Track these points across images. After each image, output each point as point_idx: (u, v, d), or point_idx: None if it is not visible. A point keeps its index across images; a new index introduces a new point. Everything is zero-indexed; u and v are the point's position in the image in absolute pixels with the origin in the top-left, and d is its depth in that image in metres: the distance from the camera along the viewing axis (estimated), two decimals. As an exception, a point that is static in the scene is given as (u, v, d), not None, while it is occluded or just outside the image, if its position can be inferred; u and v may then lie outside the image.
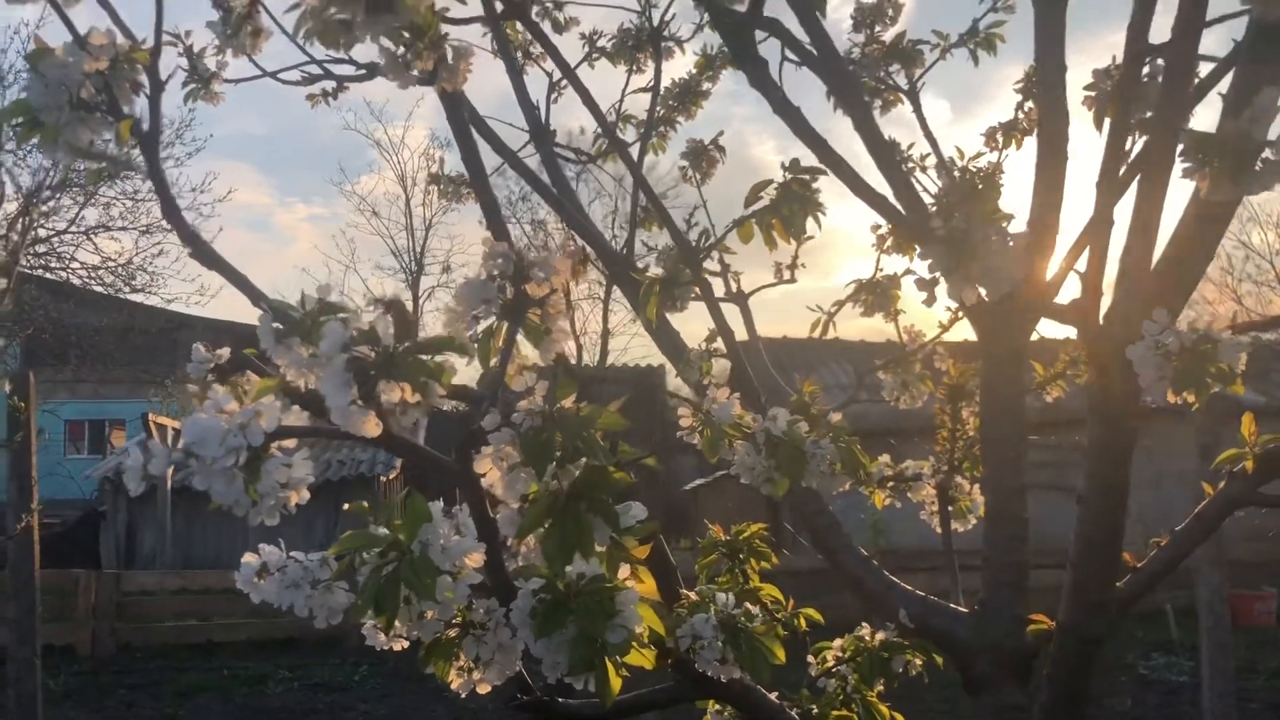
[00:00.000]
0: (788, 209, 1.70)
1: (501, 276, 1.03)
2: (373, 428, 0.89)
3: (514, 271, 1.02)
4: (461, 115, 1.86)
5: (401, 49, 1.24)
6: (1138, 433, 1.33)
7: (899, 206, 1.85)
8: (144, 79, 1.18)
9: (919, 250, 1.05)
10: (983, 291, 1.04)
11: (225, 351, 1.48)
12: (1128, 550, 1.48)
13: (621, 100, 2.96)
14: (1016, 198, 2.47)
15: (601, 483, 0.95)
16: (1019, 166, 2.46)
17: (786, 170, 1.74)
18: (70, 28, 1.13)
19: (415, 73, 1.24)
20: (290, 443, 0.93)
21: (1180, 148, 1.06)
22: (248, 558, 1.09)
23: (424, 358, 0.90)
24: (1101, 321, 1.28)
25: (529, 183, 2.46)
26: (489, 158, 2.57)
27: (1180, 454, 5.57)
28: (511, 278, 1.02)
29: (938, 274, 1.04)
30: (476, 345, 1.06)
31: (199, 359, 1.43)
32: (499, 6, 1.73)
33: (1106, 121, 1.44)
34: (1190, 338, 1.12)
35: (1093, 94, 1.61)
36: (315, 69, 2.39)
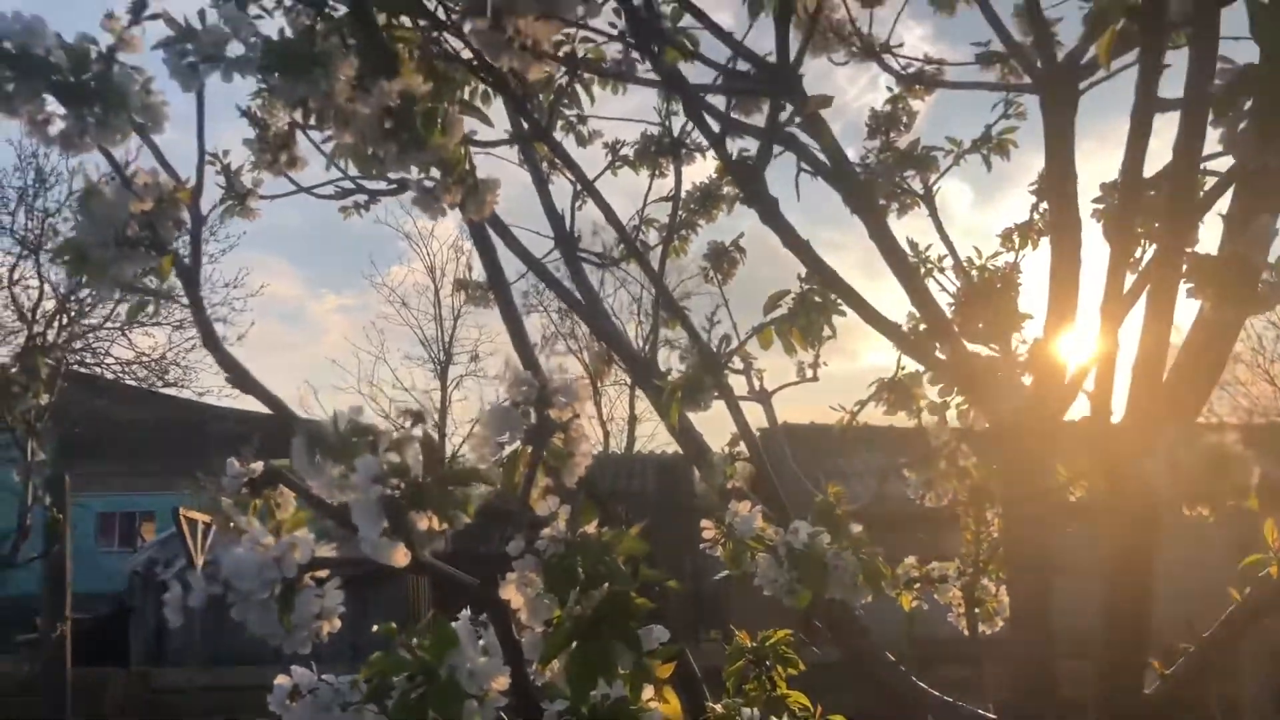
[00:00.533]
0: (805, 319, 1.75)
1: (525, 403, 1.06)
2: (401, 558, 0.92)
3: (538, 397, 1.06)
4: (484, 232, 1.92)
5: (431, 183, 1.29)
6: (1158, 543, 1.34)
7: (915, 311, 1.89)
8: (186, 216, 1.24)
9: (928, 376, 1.08)
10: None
11: (259, 465, 1.53)
12: (1169, 633, 1.47)
13: (644, 206, 3.03)
14: (1035, 297, 2.51)
15: (624, 608, 0.97)
16: (1036, 266, 2.49)
17: (803, 281, 1.78)
18: (118, 170, 1.19)
19: (444, 204, 1.30)
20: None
21: (1184, 269, 1.09)
22: (280, 680, 1.11)
23: (453, 489, 0.93)
24: (1115, 430, 1.30)
25: (553, 289, 2.52)
26: (513, 263, 2.65)
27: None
28: (535, 403, 1.06)
29: (947, 399, 1.07)
30: (502, 469, 1.10)
31: (233, 474, 1.47)
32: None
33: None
34: (1203, 452, 1.14)
35: (1101, 206, 1.65)
36: (348, 183, 2.47)
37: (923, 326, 2.46)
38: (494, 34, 1.04)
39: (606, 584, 0.98)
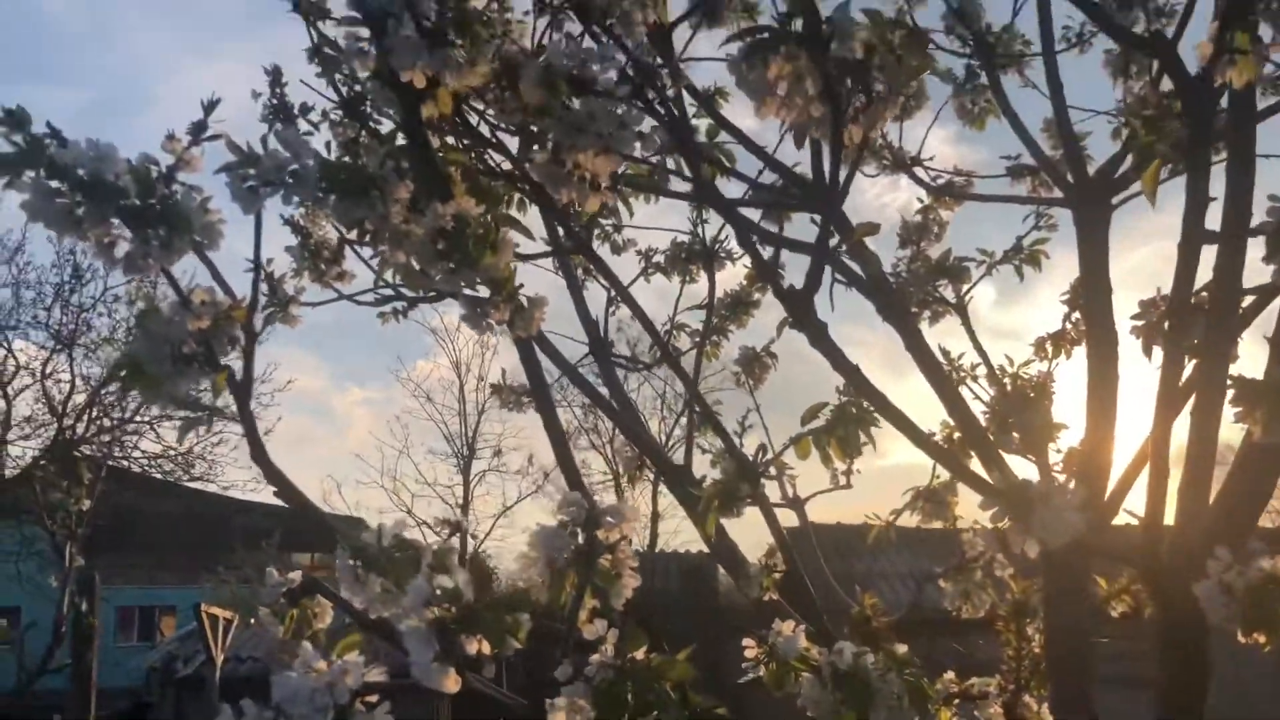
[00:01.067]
0: (843, 431, 1.74)
1: (574, 524, 1.07)
2: (452, 684, 0.92)
3: (586, 519, 1.07)
4: (530, 347, 1.94)
5: (479, 300, 1.32)
6: (1213, 666, 1.32)
7: (951, 420, 1.88)
8: (240, 333, 1.27)
9: (979, 500, 1.08)
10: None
11: (297, 575, 1.54)
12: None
13: (675, 312, 3.06)
14: (1069, 406, 2.50)
15: (674, 737, 0.96)
16: (1070, 375, 2.49)
17: (841, 392, 1.79)
18: (177, 290, 1.22)
19: (493, 322, 1.32)
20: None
21: (1230, 394, 1.09)
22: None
23: (504, 615, 0.93)
24: (1165, 552, 1.29)
25: (586, 395, 2.53)
26: (545, 363, 2.67)
27: None
28: (584, 525, 1.07)
29: (999, 524, 1.06)
30: (549, 587, 1.10)
31: (273, 584, 1.48)
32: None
33: (1158, 358, 1.48)
34: (1256, 576, 1.12)
35: (1140, 324, 1.66)
36: (388, 289, 2.51)
37: (957, 435, 2.47)
38: (554, 167, 1.07)
39: (656, 712, 0.97)
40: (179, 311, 1.22)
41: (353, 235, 1.46)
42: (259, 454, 1.29)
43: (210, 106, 1.41)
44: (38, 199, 1.08)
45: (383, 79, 1.20)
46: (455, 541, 1.16)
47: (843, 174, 1.65)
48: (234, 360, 1.32)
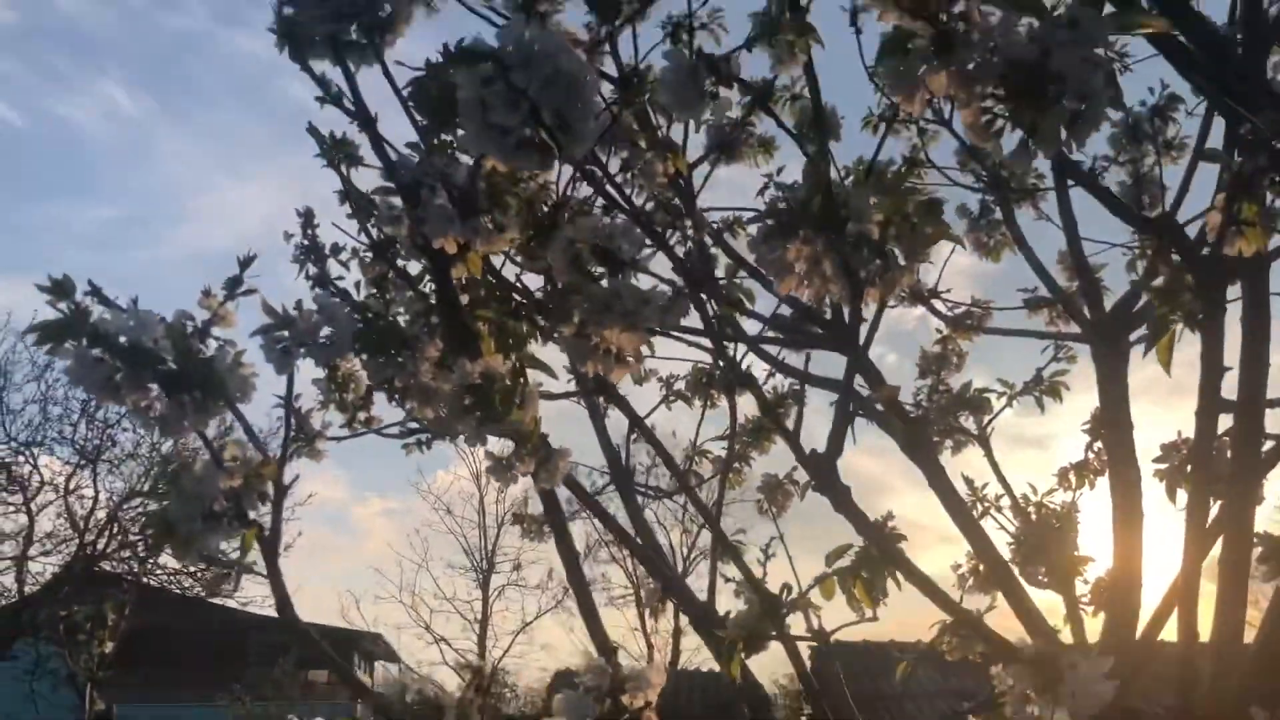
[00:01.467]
0: (868, 572, 1.74)
1: (598, 689, 1.07)
2: None
3: (610, 685, 1.07)
4: (553, 495, 1.96)
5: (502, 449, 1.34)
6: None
7: (974, 553, 1.86)
8: (270, 489, 1.29)
9: (1008, 669, 1.07)
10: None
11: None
12: None
13: (696, 438, 3.08)
14: (1095, 536, 2.48)
15: None
16: (1095, 505, 2.48)
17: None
18: (209, 449, 1.25)
19: (518, 474, 1.33)
20: None
21: (1258, 552, 1.09)
22: None
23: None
24: (1197, 711, 1.27)
25: (606, 527, 2.53)
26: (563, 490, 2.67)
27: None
28: (608, 691, 1.07)
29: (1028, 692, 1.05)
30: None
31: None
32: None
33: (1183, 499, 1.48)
34: (1293, 738, 1.11)
35: (1163, 467, 1.66)
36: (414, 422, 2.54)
37: (982, 568, 2.45)
38: (581, 342, 1.10)
39: None
40: (211, 470, 1.25)
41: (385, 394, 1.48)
42: (285, 610, 1.30)
43: (246, 263, 1.46)
44: (79, 367, 1.11)
45: (414, 243, 1.24)
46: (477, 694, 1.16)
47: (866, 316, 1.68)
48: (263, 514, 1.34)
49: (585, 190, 1.70)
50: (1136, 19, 0.84)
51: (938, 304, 2.55)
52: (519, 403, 1.28)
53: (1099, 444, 2.50)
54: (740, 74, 1.53)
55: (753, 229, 1.15)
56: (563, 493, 2.51)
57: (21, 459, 14.43)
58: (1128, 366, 1.94)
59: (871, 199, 0.89)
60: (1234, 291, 1.36)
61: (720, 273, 2.33)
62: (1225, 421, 1.43)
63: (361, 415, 1.71)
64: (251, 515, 1.29)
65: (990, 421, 2.42)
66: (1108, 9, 0.87)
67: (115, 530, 14.46)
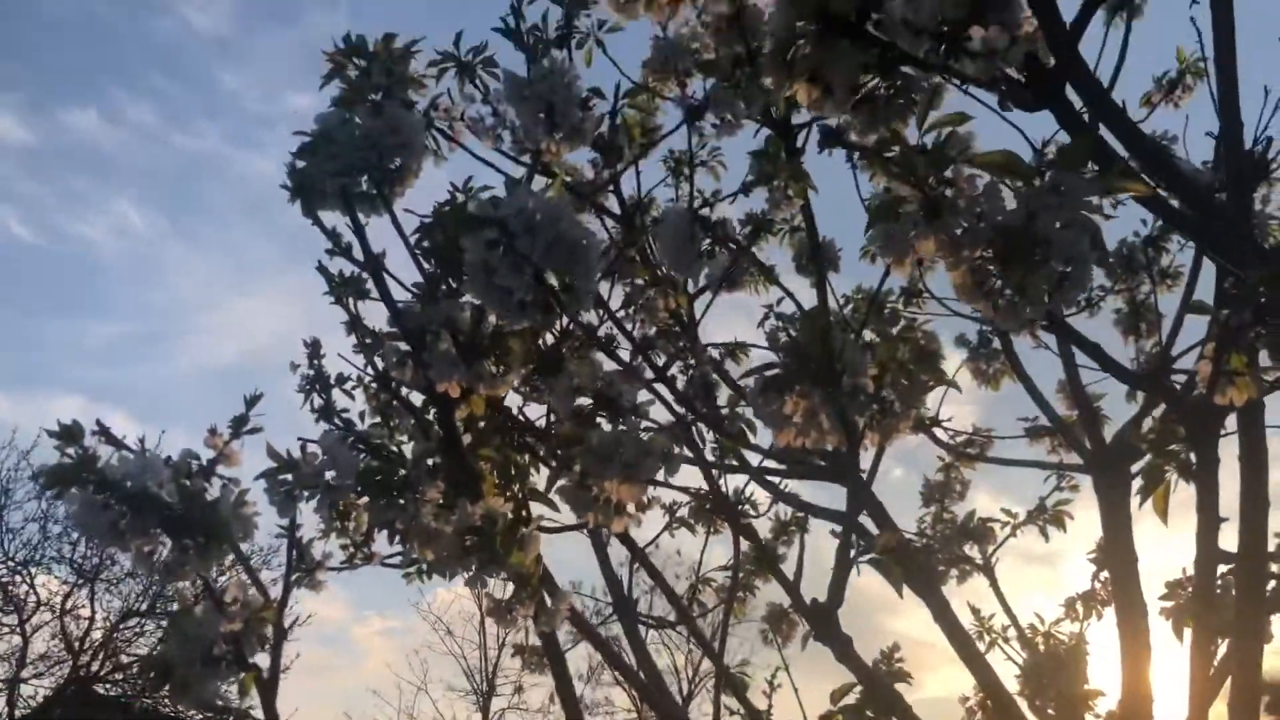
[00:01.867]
0: (874, 708, 1.71)
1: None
2: None
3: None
4: (554, 643, 1.94)
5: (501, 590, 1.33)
6: None
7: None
8: (269, 632, 1.28)
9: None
10: None
11: None
12: None
13: (699, 565, 3.06)
14: (1103, 669, 2.45)
15: None
16: (1103, 636, 2.44)
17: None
18: (211, 593, 1.25)
19: (518, 617, 1.33)
20: None
21: (1265, 700, 1.08)
22: None
23: None
24: None
25: (606, 659, 2.50)
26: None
27: None
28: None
29: None
30: None
31: None
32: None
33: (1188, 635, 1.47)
34: None
35: (1169, 604, 1.65)
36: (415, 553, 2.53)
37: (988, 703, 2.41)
38: (581, 492, 1.11)
39: None
40: (212, 614, 1.24)
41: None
42: (280, 754, 1.28)
43: (252, 401, 1.48)
44: (84, 513, 1.12)
45: (420, 386, 1.26)
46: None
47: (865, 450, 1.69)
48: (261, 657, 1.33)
49: (589, 317, 1.73)
50: (1119, 182, 0.87)
51: (939, 432, 2.56)
52: (520, 545, 1.28)
53: (1105, 573, 2.48)
54: (735, 235, 1.58)
55: (752, 356, 1.17)
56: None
57: (18, 579, 14.25)
58: (1130, 499, 1.93)
59: (868, 339, 0.91)
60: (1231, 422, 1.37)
61: (722, 401, 2.36)
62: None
63: (361, 554, 1.71)
64: (252, 661, 1.29)
65: (995, 551, 2.40)
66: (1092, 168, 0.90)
67: (110, 651, 14.18)
